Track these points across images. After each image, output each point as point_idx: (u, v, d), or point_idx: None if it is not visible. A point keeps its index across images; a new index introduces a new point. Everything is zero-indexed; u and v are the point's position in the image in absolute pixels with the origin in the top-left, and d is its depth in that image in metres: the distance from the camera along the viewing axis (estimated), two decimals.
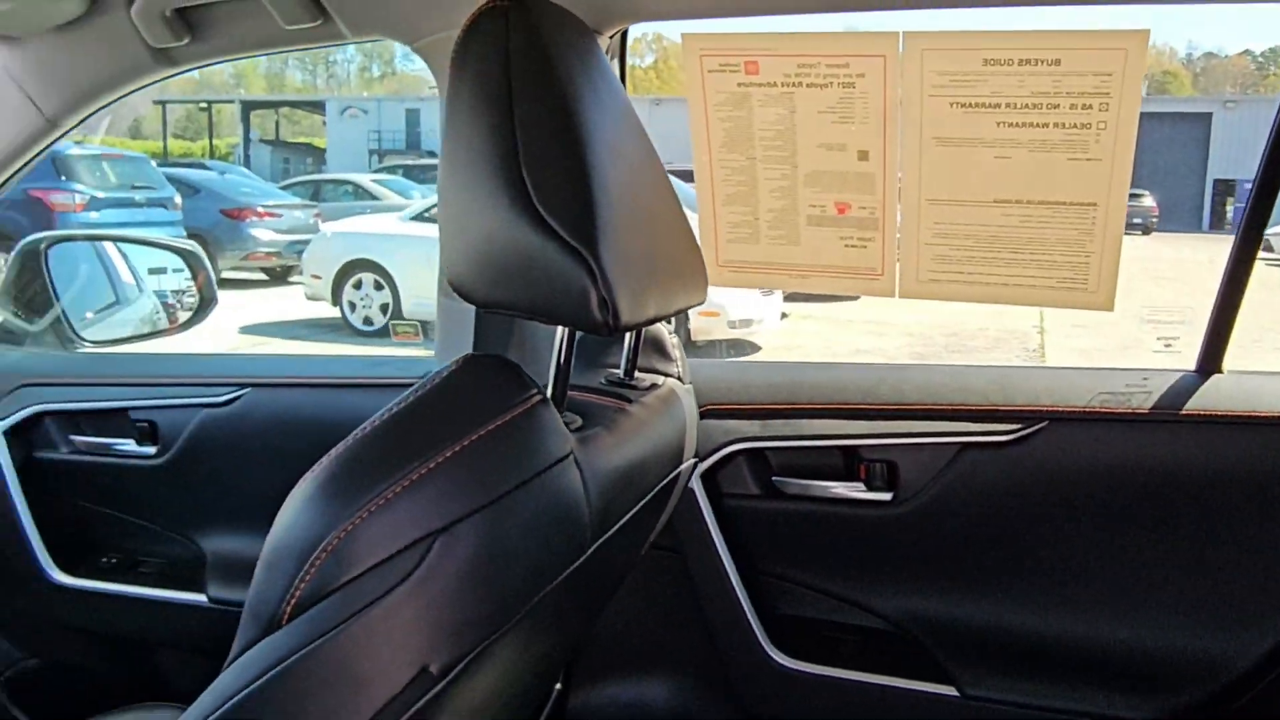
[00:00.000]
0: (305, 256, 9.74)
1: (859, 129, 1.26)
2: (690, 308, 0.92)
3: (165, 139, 27.66)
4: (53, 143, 1.48)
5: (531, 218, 0.72)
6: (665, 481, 0.99)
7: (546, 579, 0.75)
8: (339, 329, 8.89)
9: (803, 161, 1.31)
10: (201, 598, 1.54)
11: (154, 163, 12.25)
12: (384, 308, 8.88)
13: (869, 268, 1.33)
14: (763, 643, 1.39)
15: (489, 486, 0.68)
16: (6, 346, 1.76)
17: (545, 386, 0.78)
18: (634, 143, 0.84)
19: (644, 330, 1.04)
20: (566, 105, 0.75)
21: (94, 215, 9.65)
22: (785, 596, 1.44)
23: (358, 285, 8.98)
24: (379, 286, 8.92)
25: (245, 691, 0.63)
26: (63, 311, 1.77)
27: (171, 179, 11.34)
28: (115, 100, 1.43)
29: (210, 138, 29.23)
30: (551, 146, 0.74)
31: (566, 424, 0.80)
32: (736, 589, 1.39)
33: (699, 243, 0.99)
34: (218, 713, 0.64)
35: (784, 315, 8.53)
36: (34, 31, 1.33)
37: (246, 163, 24.79)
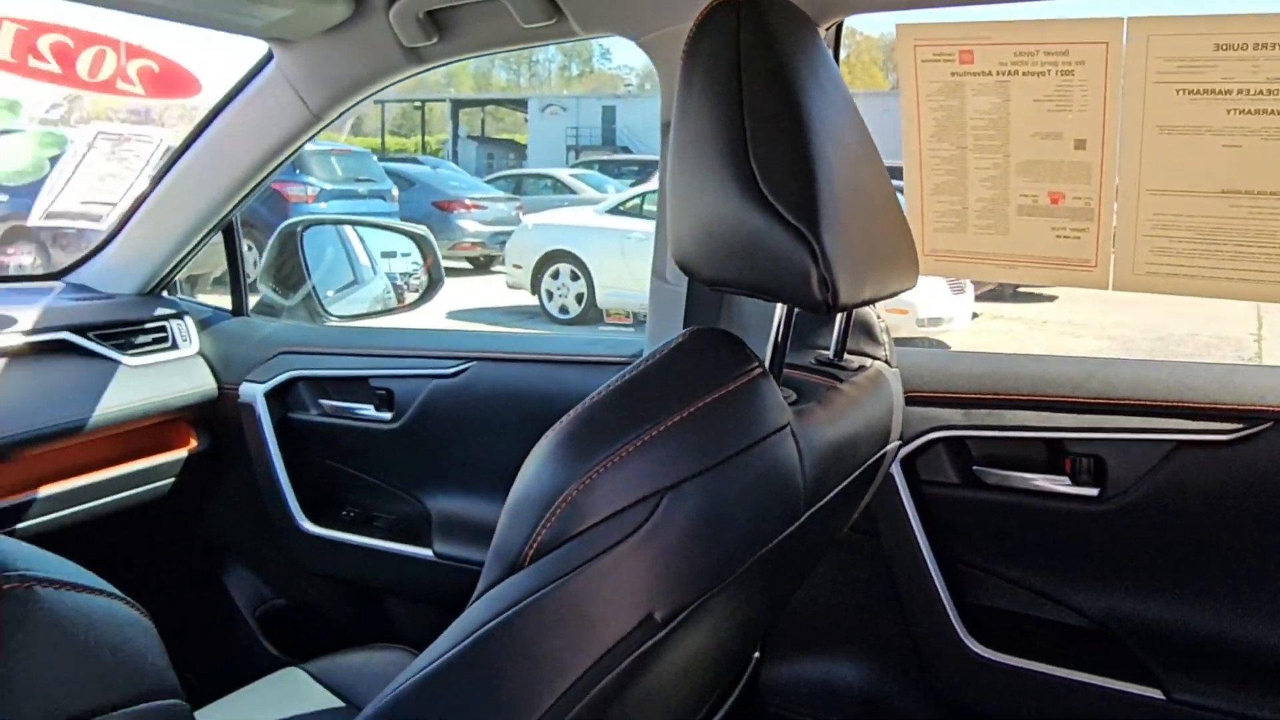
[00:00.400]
0: (507, 247, 10.11)
1: (1076, 117, 1.24)
2: (903, 291, 0.95)
3: (383, 135, 29.40)
4: (313, 135, 1.66)
5: (757, 200, 0.76)
6: (872, 460, 1.01)
7: (761, 542, 0.78)
8: (536, 316, 9.22)
9: (1015, 151, 1.30)
10: (428, 552, 1.65)
11: (374, 157, 13.07)
12: (579, 297, 9.14)
13: (1081, 259, 1.31)
14: (958, 630, 1.39)
15: (713, 450, 0.72)
16: (267, 318, 1.95)
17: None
18: (854, 131, 0.87)
19: (853, 313, 1.06)
20: (792, 95, 0.79)
21: (322, 206, 10.37)
22: (981, 586, 1.43)
23: (555, 275, 9.29)
24: (575, 277, 9.19)
25: (490, 625, 0.69)
26: (313, 288, 1.96)
27: (390, 173, 12.05)
28: (369, 96, 1.59)
29: (423, 134, 30.83)
30: (777, 134, 0.77)
31: (784, 398, 0.83)
32: (933, 575, 1.39)
33: None
34: (466, 641, 0.70)
35: (975, 315, 8.23)
36: (305, 35, 1.49)
37: (454, 158, 25.91)
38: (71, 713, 0.40)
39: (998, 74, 1.27)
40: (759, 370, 0.78)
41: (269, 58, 1.58)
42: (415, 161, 16.45)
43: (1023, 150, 1.29)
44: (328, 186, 10.75)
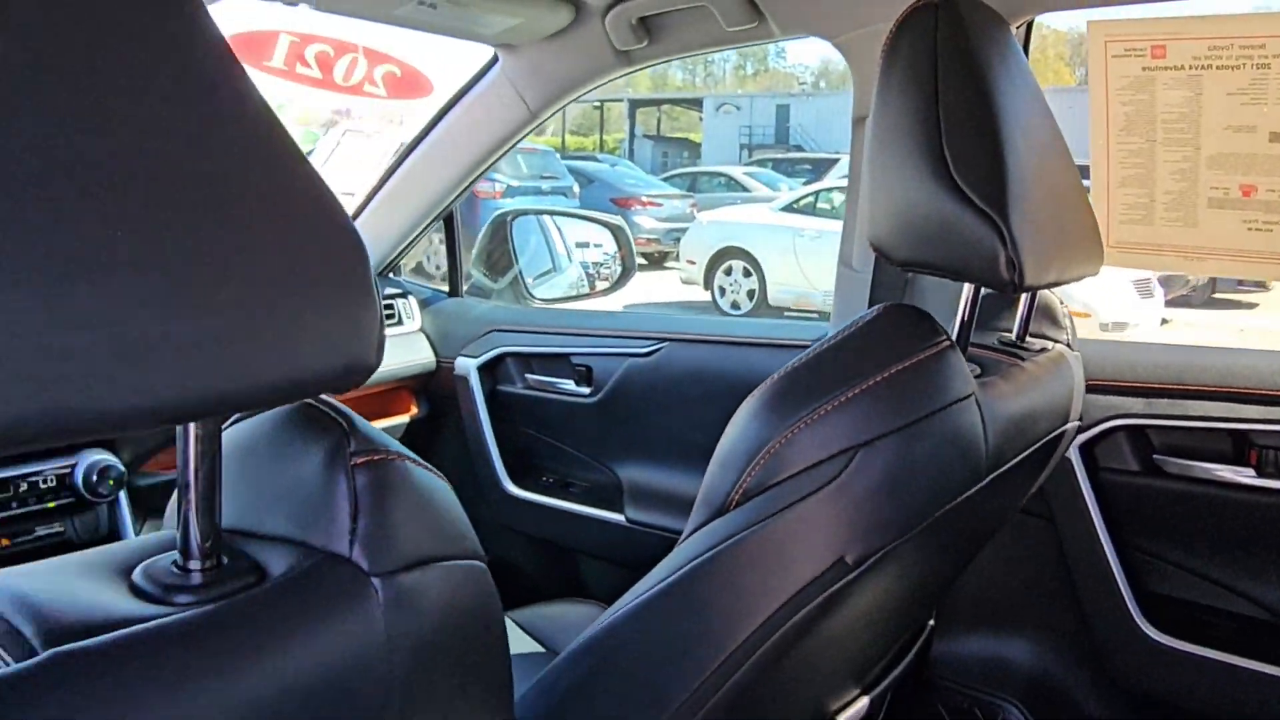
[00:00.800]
0: (682, 243, 10.28)
1: (1273, 110, 1.25)
2: (1086, 276, 1.00)
3: (564, 135, 30.17)
4: (527, 134, 1.82)
5: (950, 187, 0.84)
6: (1051, 436, 1.05)
7: (946, 499, 0.84)
8: (708, 311, 9.30)
9: (1206, 144, 1.31)
10: (620, 517, 1.75)
11: (557, 156, 13.49)
12: (750, 294, 9.19)
13: (1274, 252, 1.31)
14: (1134, 615, 1.40)
15: (904, 412, 0.80)
16: (478, 299, 2.13)
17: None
18: (1042, 124, 0.93)
19: (1036, 297, 1.11)
20: (985, 90, 0.86)
21: (508, 202, 10.81)
22: (1159, 574, 1.43)
23: (728, 271, 9.38)
24: (747, 274, 9.26)
25: (699, 559, 0.79)
26: (519, 272, 2.14)
27: (571, 170, 12.42)
28: (580, 96, 1.73)
29: (600, 133, 31.46)
30: (970, 126, 0.85)
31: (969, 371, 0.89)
32: (1110, 560, 1.41)
33: None
34: (676, 574, 0.80)
35: (1164, 321, 7.79)
36: (529, 40, 1.65)
37: (631, 156, 26.27)
38: (424, 556, 0.54)
39: (1190, 68, 1.28)
40: (947, 343, 0.85)
41: (494, 61, 1.74)
42: (594, 159, 16.81)
43: (1214, 143, 1.30)
44: (514, 183, 11.19)
